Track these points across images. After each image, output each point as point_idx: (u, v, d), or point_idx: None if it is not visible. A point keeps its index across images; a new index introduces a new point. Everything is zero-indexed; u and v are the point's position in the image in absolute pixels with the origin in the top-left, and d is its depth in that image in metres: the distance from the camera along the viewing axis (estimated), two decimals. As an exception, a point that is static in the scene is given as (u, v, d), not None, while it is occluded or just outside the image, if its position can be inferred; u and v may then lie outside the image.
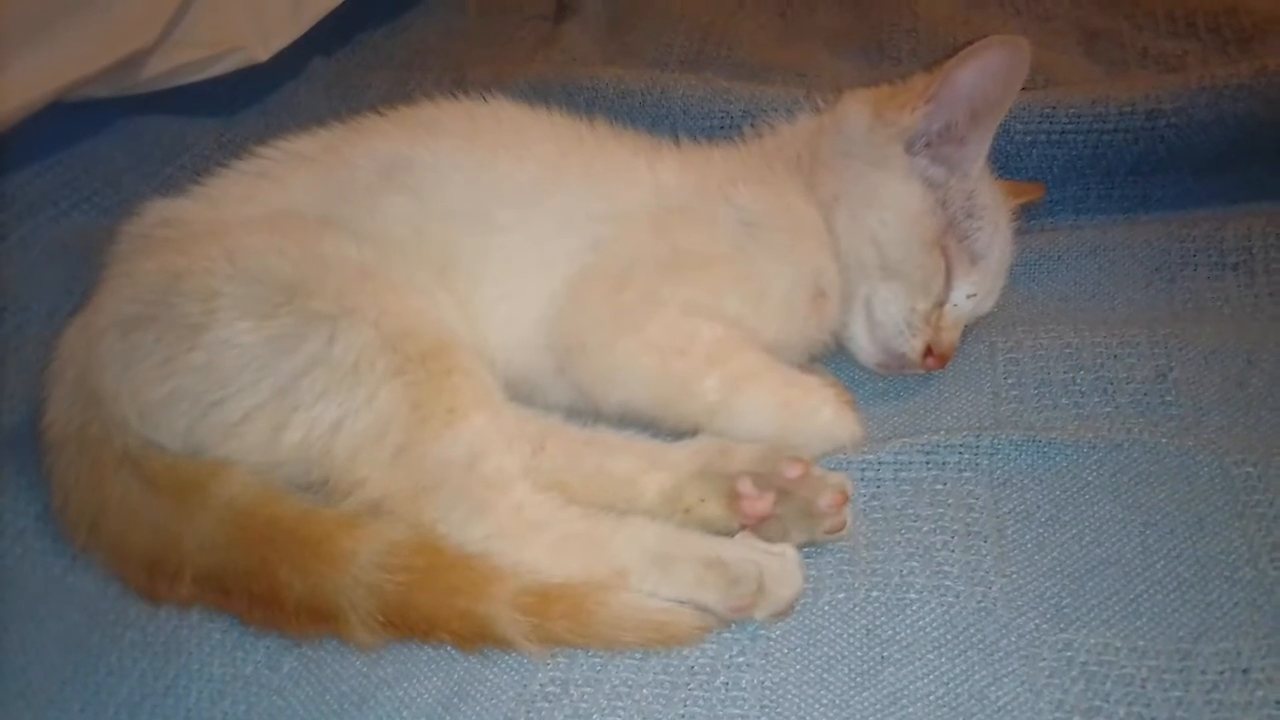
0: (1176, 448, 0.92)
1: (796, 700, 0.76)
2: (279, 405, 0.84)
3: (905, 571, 0.84)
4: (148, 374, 0.86)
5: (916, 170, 1.02)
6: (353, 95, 1.49)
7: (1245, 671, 0.75)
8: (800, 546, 0.85)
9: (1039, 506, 0.89)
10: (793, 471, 0.86)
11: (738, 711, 0.75)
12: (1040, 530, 0.87)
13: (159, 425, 0.86)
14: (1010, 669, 0.77)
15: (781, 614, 0.81)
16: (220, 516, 0.82)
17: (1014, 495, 0.90)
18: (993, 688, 0.76)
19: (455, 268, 0.97)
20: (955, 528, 0.87)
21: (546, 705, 0.76)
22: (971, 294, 1.04)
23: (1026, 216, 1.15)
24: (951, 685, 0.76)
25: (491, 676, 0.78)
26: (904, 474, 0.92)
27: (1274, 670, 0.75)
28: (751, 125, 1.14)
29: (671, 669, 0.78)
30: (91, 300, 0.92)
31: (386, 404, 0.84)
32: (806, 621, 0.81)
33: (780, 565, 0.82)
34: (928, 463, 0.93)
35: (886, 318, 1.02)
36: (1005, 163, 1.21)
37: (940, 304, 1.03)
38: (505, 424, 0.88)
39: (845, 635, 0.80)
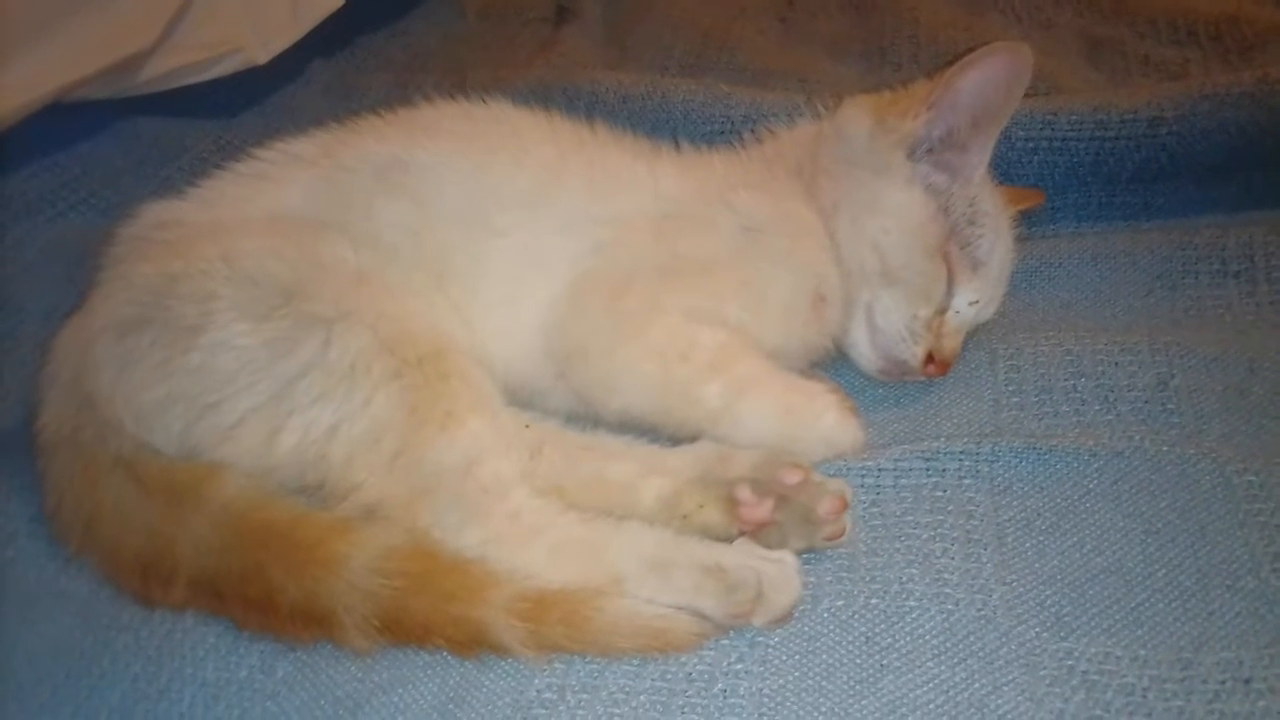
0: (1178, 456, 0.92)
1: (795, 708, 0.75)
2: (275, 409, 0.84)
3: (905, 579, 0.84)
4: (143, 376, 0.85)
5: (918, 177, 1.02)
6: (352, 98, 1.49)
7: (1247, 681, 0.75)
8: (799, 553, 0.84)
9: (1039, 514, 0.89)
10: (792, 478, 0.86)
11: (735, 719, 0.75)
12: (1041, 538, 0.87)
13: (154, 428, 0.85)
14: (1010, 677, 0.76)
15: (780, 621, 0.81)
16: (215, 520, 0.81)
17: (1014, 503, 0.90)
18: (993, 696, 0.75)
19: (453, 272, 0.96)
20: (955, 535, 0.87)
21: (543, 711, 0.76)
22: (973, 301, 1.03)
23: (1028, 223, 1.14)
24: (951, 694, 0.76)
25: (487, 682, 0.78)
26: (904, 481, 0.92)
27: (1276, 680, 0.74)
28: (752, 131, 1.14)
29: (669, 676, 0.78)
30: (87, 302, 0.92)
31: (383, 408, 0.84)
32: (805, 629, 0.81)
33: (779, 572, 0.81)
34: (928, 469, 0.93)
35: (888, 324, 1.02)
36: (1007, 169, 1.21)
37: (942, 311, 1.02)
38: (503, 428, 0.88)
39: (844, 643, 0.80)
